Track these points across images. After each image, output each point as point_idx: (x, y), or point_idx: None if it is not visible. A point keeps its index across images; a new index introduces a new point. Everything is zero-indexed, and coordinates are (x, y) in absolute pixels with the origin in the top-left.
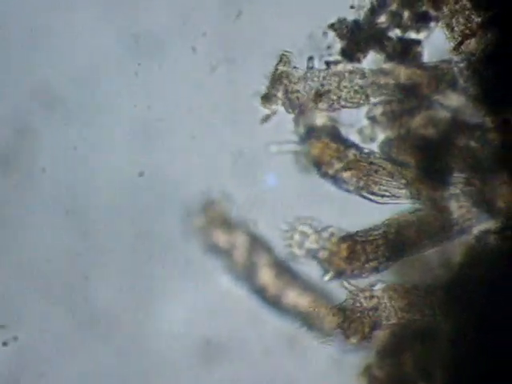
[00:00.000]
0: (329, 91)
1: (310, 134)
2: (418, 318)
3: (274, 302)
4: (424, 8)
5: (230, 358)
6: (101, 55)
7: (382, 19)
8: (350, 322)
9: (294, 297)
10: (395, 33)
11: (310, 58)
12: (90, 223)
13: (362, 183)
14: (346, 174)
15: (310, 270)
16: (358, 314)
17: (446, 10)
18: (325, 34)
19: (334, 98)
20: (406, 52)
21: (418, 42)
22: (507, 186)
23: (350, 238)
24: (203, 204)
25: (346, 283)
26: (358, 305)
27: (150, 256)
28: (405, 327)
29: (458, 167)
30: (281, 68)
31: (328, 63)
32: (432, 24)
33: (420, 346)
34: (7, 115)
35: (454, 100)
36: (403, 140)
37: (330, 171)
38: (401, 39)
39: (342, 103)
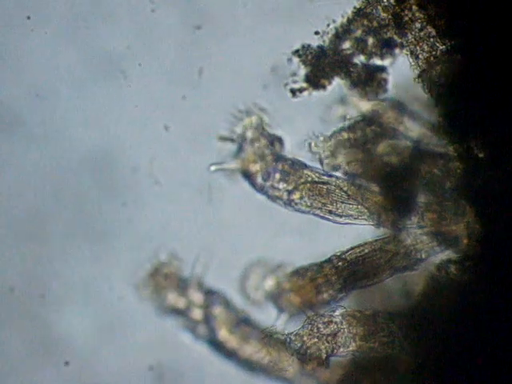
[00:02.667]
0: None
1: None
2: (378, 347)
3: (233, 356)
4: (389, 34)
5: None
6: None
7: (347, 45)
8: (306, 347)
9: (251, 351)
10: (360, 59)
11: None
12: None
13: (316, 203)
14: (296, 196)
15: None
16: (315, 340)
17: (410, 36)
18: (289, 60)
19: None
20: (370, 78)
21: (382, 69)
22: (468, 215)
23: (303, 275)
24: (151, 270)
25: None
26: (315, 330)
27: None
28: (364, 355)
29: (420, 195)
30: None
31: (293, 91)
32: (396, 51)
33: (379, 375)
34: None
35: (416, 129)
36: (366, 166)
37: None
38: (365, 66)
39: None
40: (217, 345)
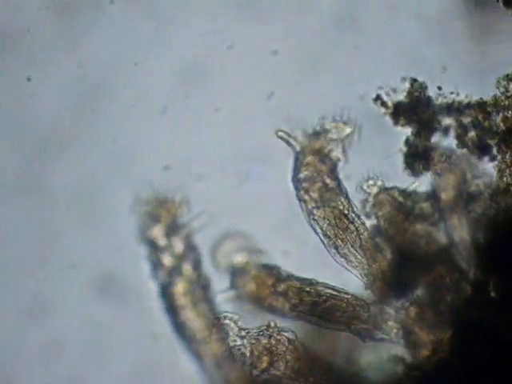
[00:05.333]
0: None
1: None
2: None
3: (174, 313)
4: (490, 141)
5: None
6: None
7: (449, 120)
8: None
9: (193, 317)
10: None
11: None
12: None
13: (329, 231)
14: (318, 213)
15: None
16: (259, 351)
17: (508, 157)
18: (402, 79)
19: None
20: (428, 156)
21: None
22: (445, 336)
23: (271, 273)
24: (160, 197)
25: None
26: (264, 341)
27: None
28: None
29: (420, 288)
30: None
31: (379, 98)
32: (485, 159)
33: None
34: None
35: (458, 230)
36: (395, 232)
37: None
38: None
39: None
40: (167, 295)
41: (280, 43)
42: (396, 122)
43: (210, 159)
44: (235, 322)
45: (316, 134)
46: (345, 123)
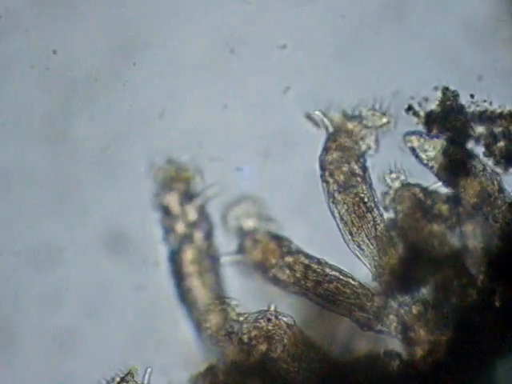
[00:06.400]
0: None
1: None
2: (291, 366)
3: (179, 278)
4: None
5: None
6: None
7: (480, 129)
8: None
9: (198, 285)
10: (476, 147)
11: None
12: None
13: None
14: (339, 196)
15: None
16: (256, 332)
17: None
18: (435, 88)
19: None
20: (465, 164)
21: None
22: (443, 338)
23: (280, 244)
24: (178, 164)
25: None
26: (262, 324)
27: None
28: (274, 363)
29: (426, 288)
30: None
31: (411, 108)
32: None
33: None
34: None
35: (472, 237)
36: (412, 229)
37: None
38: (468, 152)
39: None
40: (175, 260)
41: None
42: (429, 131)
43: (232, 136)
44: (233, 308)
45: (352, 118)
46: (382, 113)
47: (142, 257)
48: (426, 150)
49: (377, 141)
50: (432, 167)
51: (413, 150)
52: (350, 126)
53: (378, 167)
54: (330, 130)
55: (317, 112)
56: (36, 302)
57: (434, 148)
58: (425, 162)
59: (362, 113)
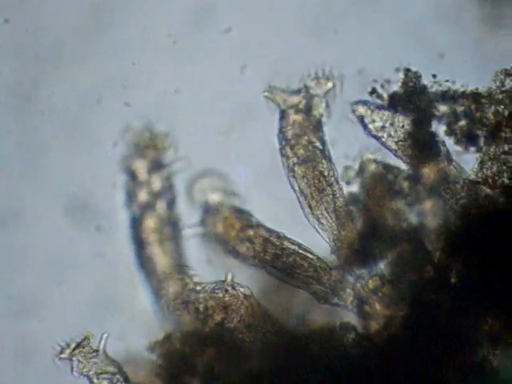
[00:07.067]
0: None
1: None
2: (246, 336)
3: (140, 245)
4: (479, 132)
5: None
6: None
7: (443, 108)
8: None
9: (158, 253)
10: (436, 124)
11: None
12: None
13: (306, 190)
14: (300, 169)
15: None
16: (212, 303)
17: (492, 150)
18: (396, 70)
19: None
20: (428, 146)
21: (443, 144)
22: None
23: (242, 217)
24: (151, 132)
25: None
26: (219, 295)
27: None
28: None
29: (384, 263)
30: None
31: (374, 91)
32: (472, 149)
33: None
34: None
35: (430, 215)
36: (371, 204)
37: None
38: (433, 133)
39: None
40: (136, 227)
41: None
42: (394, 112)
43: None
44: (191, 278)
45: (297, 91)
46: (326, 79)
47: (103, 223)
48: (373, 121)
49: (328, 107)
50: (379, 138)
51: (360, 119)
52: (295, 100)
53: (339, 144)
54: (281, 107)
55: (265, 93)
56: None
57: (380, 119)
58: (373, 132)
59: (307, 83)
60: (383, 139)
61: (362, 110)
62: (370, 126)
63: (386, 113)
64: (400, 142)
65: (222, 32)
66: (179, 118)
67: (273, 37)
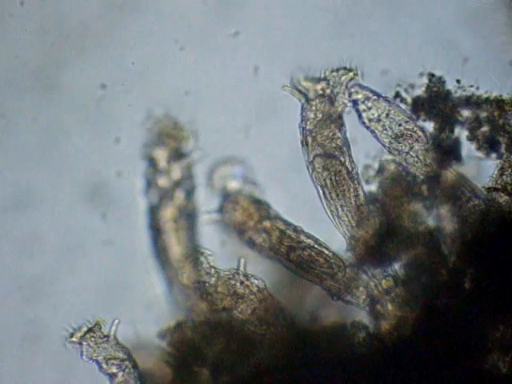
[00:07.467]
0: None
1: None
2: (258, 328)
3: (157, 232)
4: (501, 139)
5: None
6: None
7: (466, 113)
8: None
9: (173, 242)
10: (460, 130)
11: None
12: None
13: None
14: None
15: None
16: (224, 291)
17: None
18: (420, 75)
19: None
20: (451, 150)
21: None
22: (409, 315)
23: (261, 208)
24: (173, 121)
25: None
26: (232, 283)
27: None
28: (242, 325)
29: (398, 264)
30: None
31: (398, 95)
32: (492, 155)
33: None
34: None
35: (447, 219)
36: (390, 204)
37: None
38: (456, 140)
39: None
40: (153, 214)
41: None
42: (417, 117)
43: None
44: (207, 259)
45: (319, 80)
46: (346, 69)
47: (117, 210)
48: (369, 108)
49: (350, 97)
50: (369, 128)
51: (354, 102)
52: (318, 87)
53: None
54: (303, 99)
55: (284, 87)
56: (11, 248)
57: (377, 110)
58: (364, 120)
59: (327, 76)
60: (377, 132)
61: (360, 95)
62: (364, 115)
63: (384, 103)
64: (393, 139)
65: (231, 34)
66: (199, 115)
67: (295, 38)
